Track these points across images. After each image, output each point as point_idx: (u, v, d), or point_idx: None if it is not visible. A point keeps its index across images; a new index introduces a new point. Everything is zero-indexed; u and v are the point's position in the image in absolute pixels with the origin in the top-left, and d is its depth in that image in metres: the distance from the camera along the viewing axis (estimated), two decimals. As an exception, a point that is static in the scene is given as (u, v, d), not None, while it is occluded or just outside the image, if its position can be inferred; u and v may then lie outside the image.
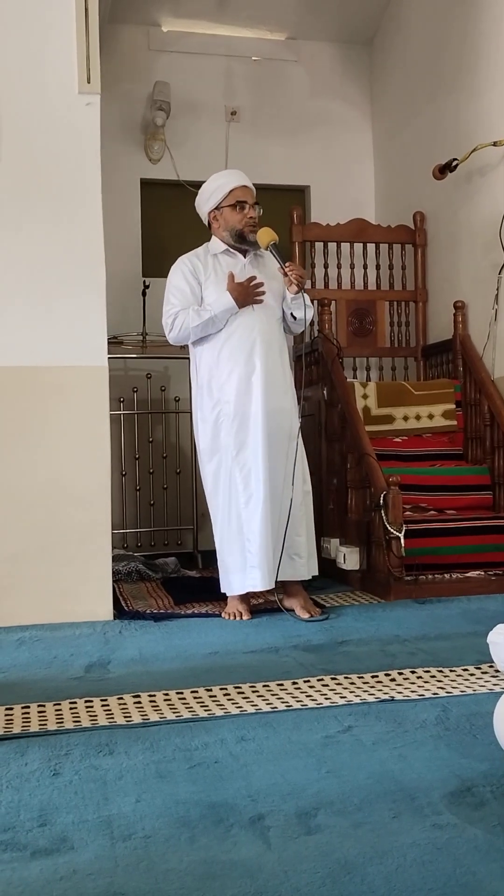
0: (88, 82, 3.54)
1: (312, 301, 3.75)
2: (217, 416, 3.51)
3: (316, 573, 3.60)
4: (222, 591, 3.55)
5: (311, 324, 4.00)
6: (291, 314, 3.60)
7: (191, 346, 3.63)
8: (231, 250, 3.60)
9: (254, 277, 3.49)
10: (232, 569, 3.48)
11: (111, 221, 3.86)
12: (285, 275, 3.47)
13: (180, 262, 3.62)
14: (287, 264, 3.47)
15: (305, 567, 3.52)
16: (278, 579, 3.46)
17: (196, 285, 3.56)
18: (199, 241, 3.73)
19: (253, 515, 3.42)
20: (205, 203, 3.62)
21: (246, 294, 3.47)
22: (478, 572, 3.97)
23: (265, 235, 3.50)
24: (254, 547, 3.41)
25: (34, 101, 3.54)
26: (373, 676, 2.54)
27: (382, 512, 3.78)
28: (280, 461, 3.46)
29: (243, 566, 3.44)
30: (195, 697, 2.38)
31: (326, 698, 2.34)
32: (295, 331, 3.75)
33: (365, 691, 2.39)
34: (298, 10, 5.65)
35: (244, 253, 3.60)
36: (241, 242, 3.58)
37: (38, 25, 3.53)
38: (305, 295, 3.57)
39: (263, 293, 3.51)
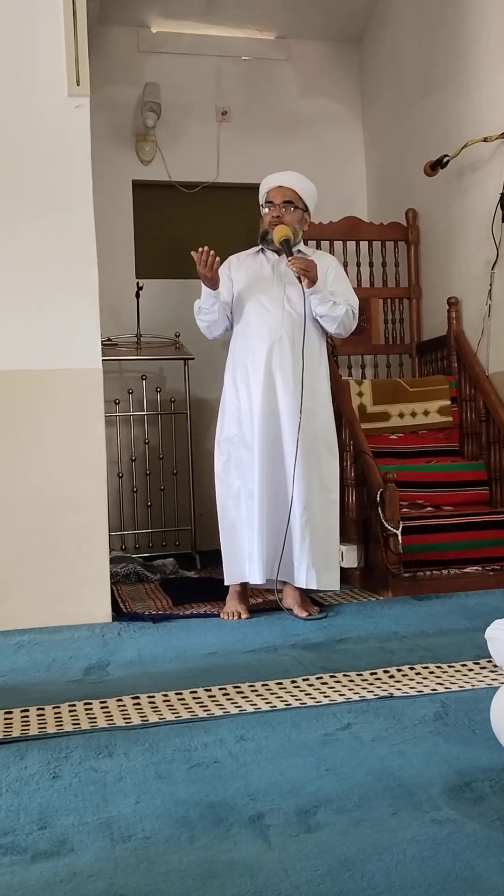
0: (78, 85, 3.54)
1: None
2: (226, 407, 3.58)
3: (314, 586, 3.45)
4: (226, 582, 3.56)
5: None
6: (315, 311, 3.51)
7: None
8: (266, 249, 3.61)
9: (205, 252, 3.35)
10: (240, 557, 3.49)
11: (103, 223, 3.86)
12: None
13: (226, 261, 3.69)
14: (289, 260, 3.40)
15: (304, 575, 3.42)
16: (278, 577, 3.46)
17: (227, 281, 3.58)
18: (193, 241, 3.73)
19: (253, 511, 3.42)
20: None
21: (199, 270, 3.38)
22: (475, 568, 3.97)
23: (278, 231, 3.47)
24: (254, 541, 3.42)
25: (23, 104, 3.54)
26: (371, 673, 2.54)
27: (379, 509, 3.78)
28: (280, 462, 3.43)
29: (249, 557, 3.46)
30: (194, 698, 2.39)
31: (325, 696, 2.35)
32: (329, 330, 3.56)
33: (364, 688, 2.40)
34: (287, 9, 5.64)
35: (280, 252, 3.53)
36: (262, 241, 3.59)
37: (27, 28, 3.53)
38: (334, 295, 3.48)
39: (208, 262, 3.34)
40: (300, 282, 3.42)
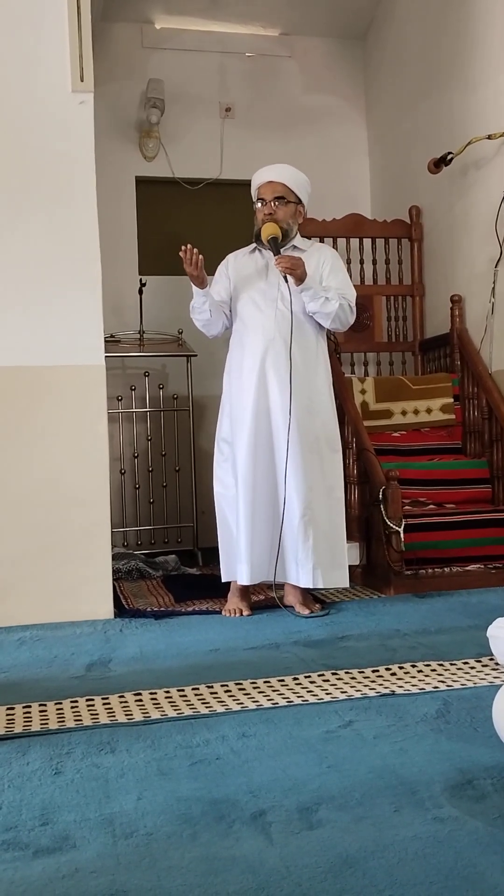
0: (82, 80, 3.53)
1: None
2: (224, 405, 3.60)
3: (321, 586, 3.44)
4: (223, 579, 3.58)
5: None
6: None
7: None
8: (260, 248, 3.58)
9: (189, 251, 3.34)
10: (234, 557, 3.49)
11: (107, 219, 3.85)
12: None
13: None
14: (275, 259, 3.38)
15: (309, 576, 3.39)
16: (277, 580, 3.46)
17: (225, 279, 3.59)
18: (196, 238, 3.73)
19: (240, 510, 3.42)
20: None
21: (185, 268, 3.37)
22: (477, 566, 3.97)
23: (266, 230, 3.44)
24: (240, 541, 3.43)
25: (27, 100, 3.53)
26: (373, 671, 2.54)
27: (382, 506, 3.78)
28: (273, 463, 3.42)
29: (237, 557, 3.47)
30: (196, 694, 2.39)
31: (327, 693, 2.35)
32: (325, 326, 3.53)
33: (366, 686, 2.40)
34: (291, 6, 5.63)
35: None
36: (256, 240, 3.56)
37: (31, 24, 3.52)
38: (327, 290, 3.43)
39: (192, 260, 3.33)
40: (285, 280, 3.39)
